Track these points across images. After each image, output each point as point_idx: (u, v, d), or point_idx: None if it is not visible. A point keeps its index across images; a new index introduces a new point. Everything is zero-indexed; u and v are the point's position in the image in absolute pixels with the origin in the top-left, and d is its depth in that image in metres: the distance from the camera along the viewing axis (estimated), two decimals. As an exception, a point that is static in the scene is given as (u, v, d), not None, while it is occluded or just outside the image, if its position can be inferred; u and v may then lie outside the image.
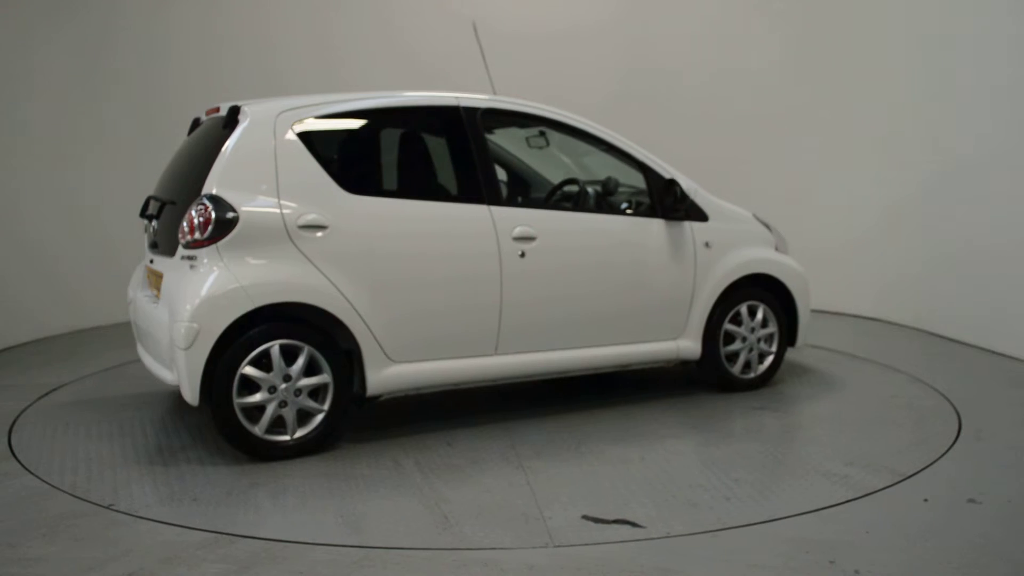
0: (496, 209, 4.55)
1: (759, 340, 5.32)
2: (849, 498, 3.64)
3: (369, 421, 4.77)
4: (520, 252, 4.55)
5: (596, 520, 3.44)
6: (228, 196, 4.04)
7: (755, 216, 5.47)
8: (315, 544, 3.25)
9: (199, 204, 4.05)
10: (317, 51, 8.18)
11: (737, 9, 8.23)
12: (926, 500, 3.64)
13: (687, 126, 8.11)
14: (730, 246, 5.19)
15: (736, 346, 5.26)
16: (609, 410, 4.99)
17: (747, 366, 5.32)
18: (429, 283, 4.37)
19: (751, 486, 3.81)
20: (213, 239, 4.00)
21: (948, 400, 5.11)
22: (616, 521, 3.43)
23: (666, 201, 4.99)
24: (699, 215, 5.11)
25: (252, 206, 4.05)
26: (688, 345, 5.12)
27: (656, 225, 5.00)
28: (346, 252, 4.19)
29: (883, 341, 6.84)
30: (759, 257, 5.29)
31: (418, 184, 4.71)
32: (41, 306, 7.21)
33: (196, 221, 4.04)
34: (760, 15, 8.11)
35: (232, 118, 4.26)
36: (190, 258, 4.09)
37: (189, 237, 4.07)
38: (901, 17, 7.27)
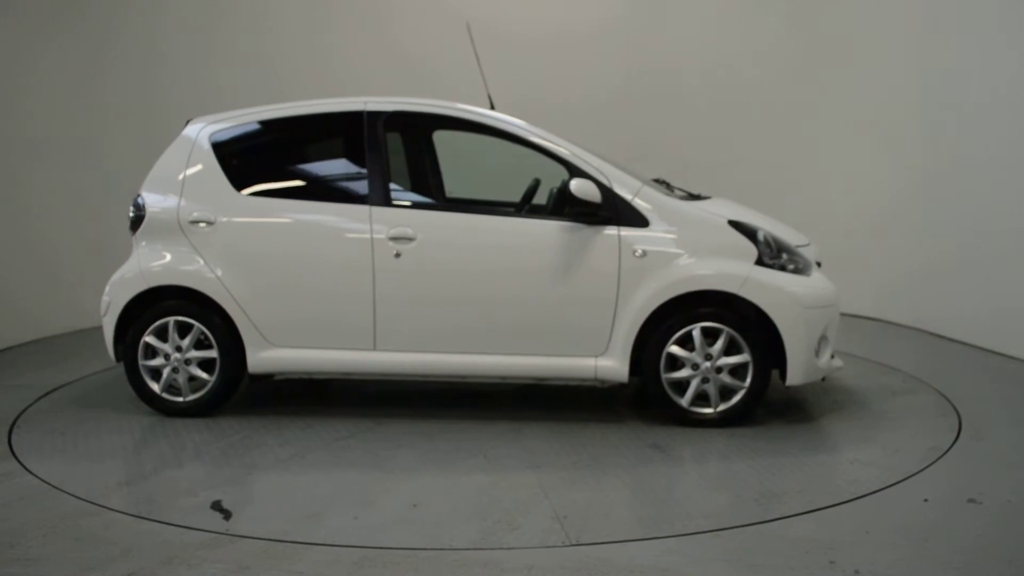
0: (377, 209, 4.67)
1: (719, 370, 4.52)
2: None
3: (288, 397, 5.35)
4: (396, 252, 4.60)
5: (217, 509, 3.60)
6: (145, 195, 4.92)
7: (733, 223, 4.58)
8: (315, 544, 3.26)
9: (132, 202, 4.96)
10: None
11: (736, 7, 8.23)
12: (926, 500, 3.64)
13: (686, 125, 8.10)
14: (676, 257, 4.48)
15: (683, 374, 4.55)
16: (501, 423, 4.69)
17: (703, 399, 4.60)
18: (300, 276, 4.71)
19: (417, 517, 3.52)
20: (133, 231, 4.93)
21: (948, 400, 5.11)
22: (224, 513, 3.56)
23: (569, 204, 4.50)
24: (635, 219, 4.52)
25: (158, 204, 4.87)
26: (610, 365, 4.55)
27: (562, 229, 4.54)
28: (227, 244, 4.76)
29: (883, 341, 6.84)
30: (715, 272, 4.46)
31: (307, 185, 5.03)
32: (41, 306, 7.20)
33: (128, 216, 4.96)
34: (760, 14, 8.11)
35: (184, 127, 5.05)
36: (132, 246, 4.97)
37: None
38: (901, 13, 7.28)
